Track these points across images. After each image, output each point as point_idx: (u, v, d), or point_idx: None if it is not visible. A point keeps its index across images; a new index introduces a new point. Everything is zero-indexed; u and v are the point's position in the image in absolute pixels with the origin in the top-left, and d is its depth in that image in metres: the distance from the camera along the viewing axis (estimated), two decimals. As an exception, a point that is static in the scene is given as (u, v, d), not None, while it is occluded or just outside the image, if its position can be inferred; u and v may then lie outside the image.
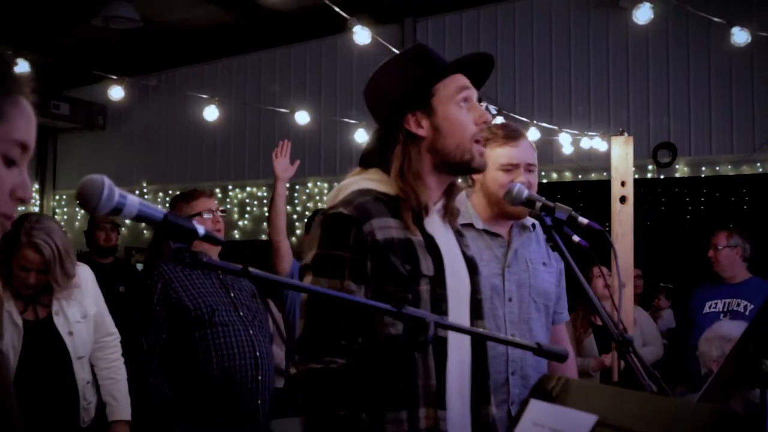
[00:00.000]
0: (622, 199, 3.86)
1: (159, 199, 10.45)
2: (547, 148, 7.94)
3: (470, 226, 2.85)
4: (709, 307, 5.27)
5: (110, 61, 10.17)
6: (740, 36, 5.68)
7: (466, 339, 2.12)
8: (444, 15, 9.50)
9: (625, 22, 8.45)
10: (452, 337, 2.05)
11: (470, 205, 2.91)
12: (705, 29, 7.75)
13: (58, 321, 3.65)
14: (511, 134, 2.87)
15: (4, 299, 3.49)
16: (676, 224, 7.98)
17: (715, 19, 6.05)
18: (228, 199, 10.09)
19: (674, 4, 6.88)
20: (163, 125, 10.29)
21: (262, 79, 10.05)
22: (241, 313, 3.89)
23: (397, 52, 5.45)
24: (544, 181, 8.59)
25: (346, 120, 8.26)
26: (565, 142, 7.65)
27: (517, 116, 7.81)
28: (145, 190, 10.57)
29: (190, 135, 9.91)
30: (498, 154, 2.82)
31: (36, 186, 11.19)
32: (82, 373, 3.66)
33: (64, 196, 11.29)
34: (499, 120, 6.98)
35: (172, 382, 3.81)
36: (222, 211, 4.12)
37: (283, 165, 4.92)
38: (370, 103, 2.19)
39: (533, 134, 7.37)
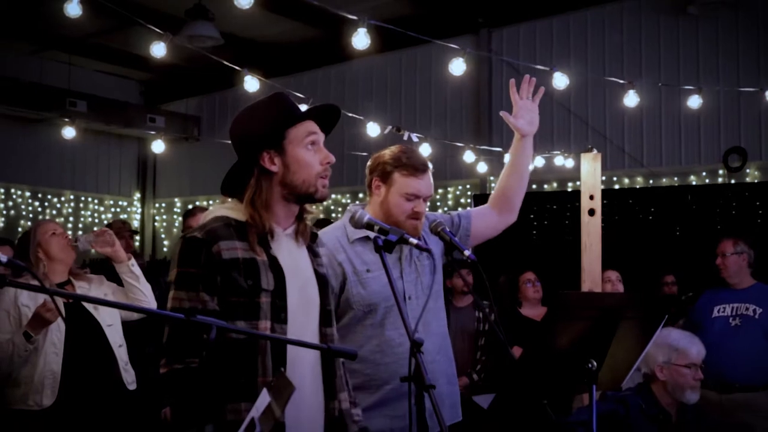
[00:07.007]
0: (591, 212, 4.06)
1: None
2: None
3: (367, 239, 3.16)
4: (718, 312, 5.31)
5: (203, 75, 10.77)
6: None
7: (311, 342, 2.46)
8: (519, 25, 9.68)
9: (695, 29, 8.49)
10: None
11: None
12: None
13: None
14: (419, 167, 3.21)
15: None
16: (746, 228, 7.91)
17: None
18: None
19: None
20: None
21: (346, 90, 10.50)
22: None
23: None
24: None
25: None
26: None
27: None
28: (237, 198, 11.07)
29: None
30: (405, 183, 3.18)
31: (137, 195, 11.89)
32: (113, 338, 4.19)
33: (163, 204, 11.93)
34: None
35: None
36: None
37: None
38: (232, 139, 2.56)
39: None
